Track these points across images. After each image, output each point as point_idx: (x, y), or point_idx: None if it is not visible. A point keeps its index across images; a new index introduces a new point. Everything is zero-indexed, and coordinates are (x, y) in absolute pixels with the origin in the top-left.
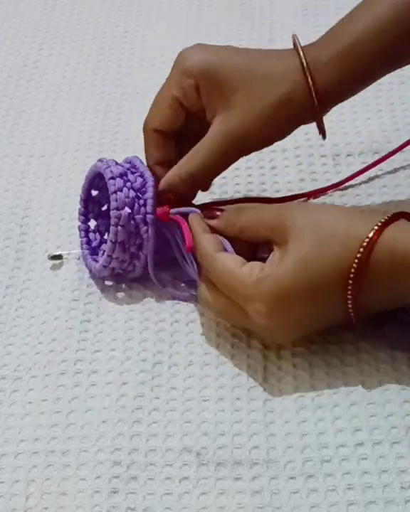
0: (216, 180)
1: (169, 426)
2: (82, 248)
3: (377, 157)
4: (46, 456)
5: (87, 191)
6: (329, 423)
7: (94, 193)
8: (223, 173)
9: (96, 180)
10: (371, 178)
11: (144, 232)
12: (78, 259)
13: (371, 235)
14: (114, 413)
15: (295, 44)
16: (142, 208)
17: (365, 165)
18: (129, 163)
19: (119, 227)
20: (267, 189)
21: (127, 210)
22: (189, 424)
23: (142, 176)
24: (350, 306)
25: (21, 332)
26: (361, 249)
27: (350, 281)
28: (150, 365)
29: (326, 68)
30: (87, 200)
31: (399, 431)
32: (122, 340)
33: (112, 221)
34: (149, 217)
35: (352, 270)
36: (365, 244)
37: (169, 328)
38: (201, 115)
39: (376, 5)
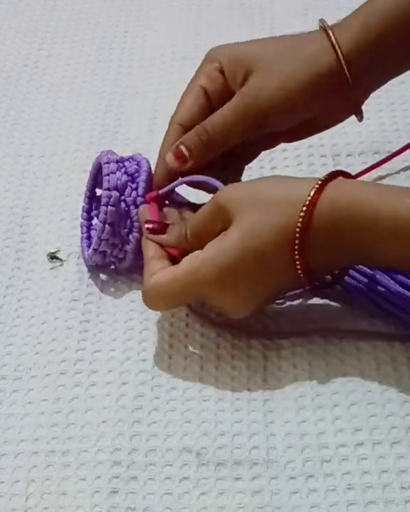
0: None
1: (169, 426)
2: (81, 243)
3: (377, 157)
4: (46, 456)
5: (92, 188)
6: (329, 423)
7: (98, 192)
8: None
9: (99, 176)
10: (372, 179)
11: (135, 214)
12: (78, 258)
13: (312, 193)
14: (114, 413)
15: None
16: (134, 192)
17: (365, 165)
18: (130, 156)
19: (109, 207)
20: None
21: (118, 190)
22: (189, 424)
23: (138, 164)
24: (299, 267)
25: (21, 332)
26: (304, 208)
27: (296, 242)
28: (150, 365)
29: (347, 29)
30: (91, 198)
31: (399, 431)
32: (122, 340)
33: (103, 201)
34: (139, 199)
35: (297, 230)
36: (307, 202)
37: (169, 328)
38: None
39: None
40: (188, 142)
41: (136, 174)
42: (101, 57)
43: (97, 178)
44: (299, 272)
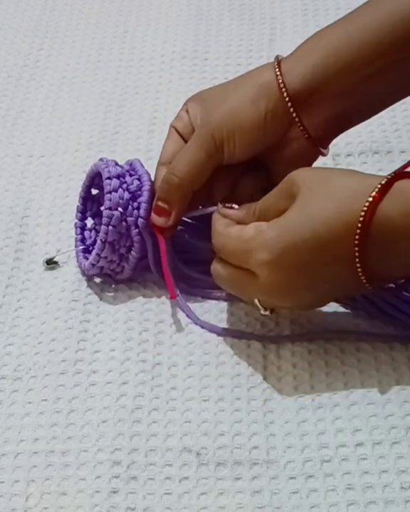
0: None
1: (169, 426)
2: (76, 245)
3: (377, 157)
4: (46, 456)
5: (87, 189)
6: (329, 423)
7: (94, 191)
8: None
9: (97, 178)
10: None
11: (135, 234)
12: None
13: (379, 185)
14: (114, 413)
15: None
16: (135, 211)
17: (365, 165)
18: (130, 165)
19: (110, 227)
20: (267, 189)
21: (119, 210)
22: (189, 424)
23: (139, 179)
24: (358, 263)
25: (21, 332)
26: (370, 199)
27: (357, 233)
28: (150, 365)
29: (294, 61)
30: (86, 199)
31: (399, 431)
32: (122, 340)
33: (104, 220)
34: (140, 221)
35: (360, 221)
36: (372, 195)
37: (169, 329)
38: None
39: (359, 15)
40: (162, 194)
41: (138, 192)
42: (101, 57)
43: (93, 180)
44: (358, 267)
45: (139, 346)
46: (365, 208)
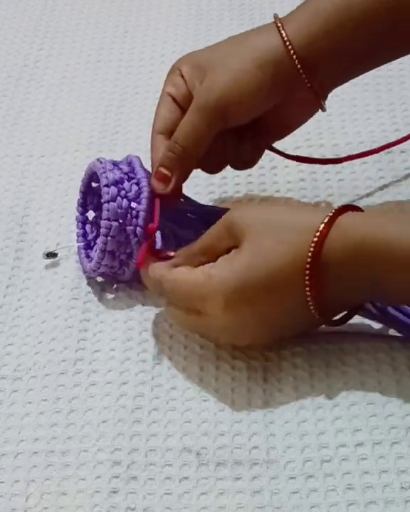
0: (216, 181)
1: (169, 426)
2: (77, 241)
3: (377, 157)
4: (46, 456)
5: (87, 183)
6: (329, 423)
7: (94, 184)
8: (223, 173)
9: (95, 175)
10: (371, 179)
11: (135, 243)
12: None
13: (322, 226)
14: (114, 413)
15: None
16: (134, 220)
17: (365, 165)
18: (129, 165)
19: (108, 238)
20: (267, 189)
21: (119, 221)
22: (189, 424)
23: (138, 183)
24: (309, 298)
25: (21, 332)
26: (315, 239)
27: (307, 272)
28: (150, 365)
29: (296, 18)
30: (86, 193)
31: (399, 431)
32: (122, 340)
33: (103, 231)
34: (138, 230)
35: (308, 259)
36: (318, 233)
37: (169, 329)
38: None
39: None
40: (166, 161)
41: (137, 199)
42: (101, 57)
43: (92, 176)
44: (309, 303)
45: (139, 346)
46: (312, 249)
